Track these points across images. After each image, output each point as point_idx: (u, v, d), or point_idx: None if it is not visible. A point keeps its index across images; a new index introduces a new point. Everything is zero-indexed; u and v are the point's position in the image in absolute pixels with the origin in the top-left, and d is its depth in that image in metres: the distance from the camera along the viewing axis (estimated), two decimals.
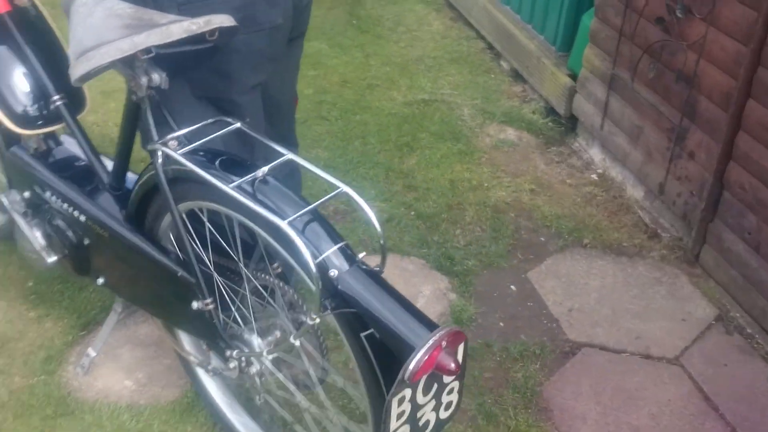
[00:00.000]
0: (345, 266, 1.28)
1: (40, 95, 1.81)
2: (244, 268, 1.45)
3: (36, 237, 1.87)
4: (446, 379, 1.29)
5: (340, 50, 3.70)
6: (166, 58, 1.45)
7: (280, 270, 1.53)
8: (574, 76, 3.07)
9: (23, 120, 1.80)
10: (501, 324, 2.22)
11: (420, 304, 2.24)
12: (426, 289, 2.32)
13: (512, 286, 2.35)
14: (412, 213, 2.61)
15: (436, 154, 2.93)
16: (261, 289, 1.46)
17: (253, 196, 1.31)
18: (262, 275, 1.46)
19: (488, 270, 2.41)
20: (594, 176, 2.87)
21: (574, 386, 2.01)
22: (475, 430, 1.90)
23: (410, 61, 3.64)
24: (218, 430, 1.84)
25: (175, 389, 1.95)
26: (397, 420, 1.22)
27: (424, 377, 1.22)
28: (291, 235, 1.24)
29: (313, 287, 1.24)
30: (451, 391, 1.33)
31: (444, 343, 1.20)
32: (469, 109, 3.26)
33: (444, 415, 1.34)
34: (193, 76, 1.62)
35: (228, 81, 1.64)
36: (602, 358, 2.10)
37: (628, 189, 2.75)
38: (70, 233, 1.80)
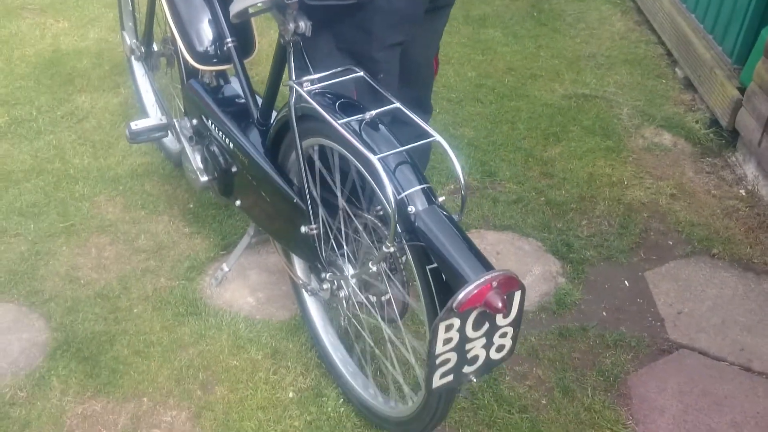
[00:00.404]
0: (424, 205, 1.43)
1: (217, 37, 2.10)
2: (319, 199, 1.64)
3: (195, 158, 2.18)
4: (500, 321, 1.40)
5: (513, 39, 3.79)
6: (314, 10, 1.66)
7: (381, 213, 1.69)
8: (743, 90, 2.96)
9: (202, 57, 2.10)
10: (604, 313, 2.25)
11: (527, 281, 2.33)
12: (536, 269, 2.39)
13: (626, 282, 2.37)
14: (542, 198, 2.68)
15: (581, 147, 2.97)
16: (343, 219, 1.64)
17: (355, 133, 1.49)
18: (358, 211, 1.64)
19: (605, 263, 2.44)
20: (742, 191, 2.77)
21: (660, 381, 2.01)
22: (549, 401, 1.97)
23: (581, 57, 3.66)
24: (314, 352, 2.06)
25: (287, 312, 2.20)
26: (443, 345, 1.35)
27: (474, 313, 1.34)
28: (378, 169, 1.40)
29: (391, 219, 1.40)
30: (504, 335, 1.43)
31: (495, 284, 1.31)
32: (629, 110, 3.25)
33: (495, 356, 1.45)
34: (339, 30, 1.81)
35: (369, 37, 1.80)
36: (698, 362, 2.08)
37: None
38: (221, 159, 2.08)
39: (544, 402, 1.97)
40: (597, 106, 3.25)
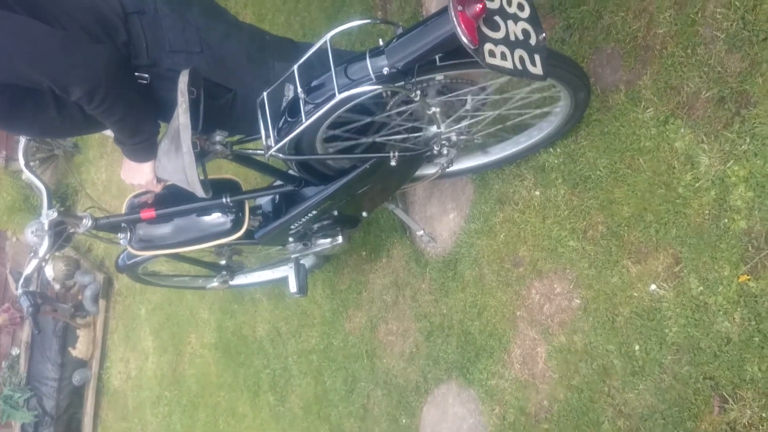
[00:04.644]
0: (384, 59, 1.64)
1: (219, 210, 2.36)
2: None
3: (323, 243, 2.50)
4: (494, 5, 1.59)
5: None
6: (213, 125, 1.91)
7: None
8: None
9: (232, 229, 2.34)
10: None
11: None
12: None
13: None
14: None
15: None
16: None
17: (317, 107, 1.73)
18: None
19: None
20: None
21: None
22: None
23: None
24: (501, 173, 2.33)
25: (470, 189, 2.48)
26: (504, 60, 1.56)
27: (482, 27, 1.54)
28: (353, 94, 1.64)
29: (398, 89, 1.65)
30: (509, 3, 1.62)
31: (460, 7, 1.51)
32: None
33: (525, 13, 1.64)
34: (223, 113, 2.00)
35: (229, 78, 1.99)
36: None
37: None
38: (324, 222, 2.39)
39: None
40: None
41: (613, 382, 1.99)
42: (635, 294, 1.96)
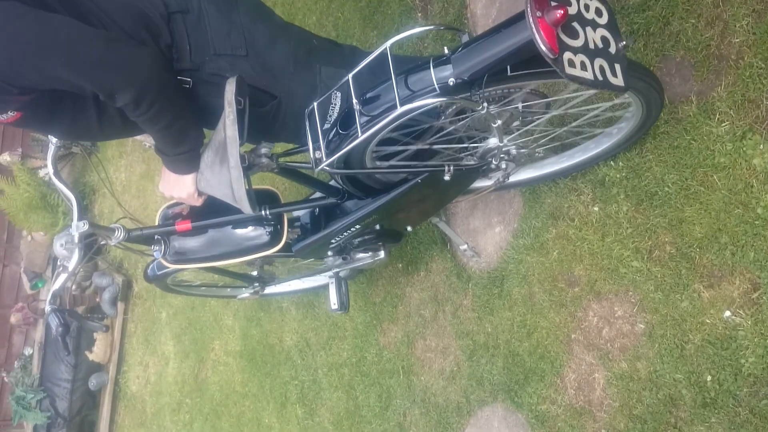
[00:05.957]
0: (449, 69, 1.52)
1: (257, 223, 2.24)
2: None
3: (363, 257, 2.38)
4: (574, 10, 1.46)
5: None
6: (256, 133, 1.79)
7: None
8: None
9: (270, 242, 2.24)
10: None
11: None
12: None
13: None
14: None
15: None
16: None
17: (374, 119, 1.60)
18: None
19: None
20: None
21: None
22: None
23: None
24: (558, 186, 2.19)
25: (518, 202, 2.35)
26: (584, 69, 1.43)
27: (561, 35, 1.41)
28: (414, 107, 1.52)
29: (464, 101, 1.52)
30: (587, 9, 1.49)
31: (538, 13, 1.38)
32: None
33: (603, 20, 1.51)
34: (268, 123, 1.88)
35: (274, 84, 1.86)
36: None
37: None
38: (366, 237, 2.27)
39: None
40: None
41: (680, 414, 1.86)
42: (707, 320, 1.83)
